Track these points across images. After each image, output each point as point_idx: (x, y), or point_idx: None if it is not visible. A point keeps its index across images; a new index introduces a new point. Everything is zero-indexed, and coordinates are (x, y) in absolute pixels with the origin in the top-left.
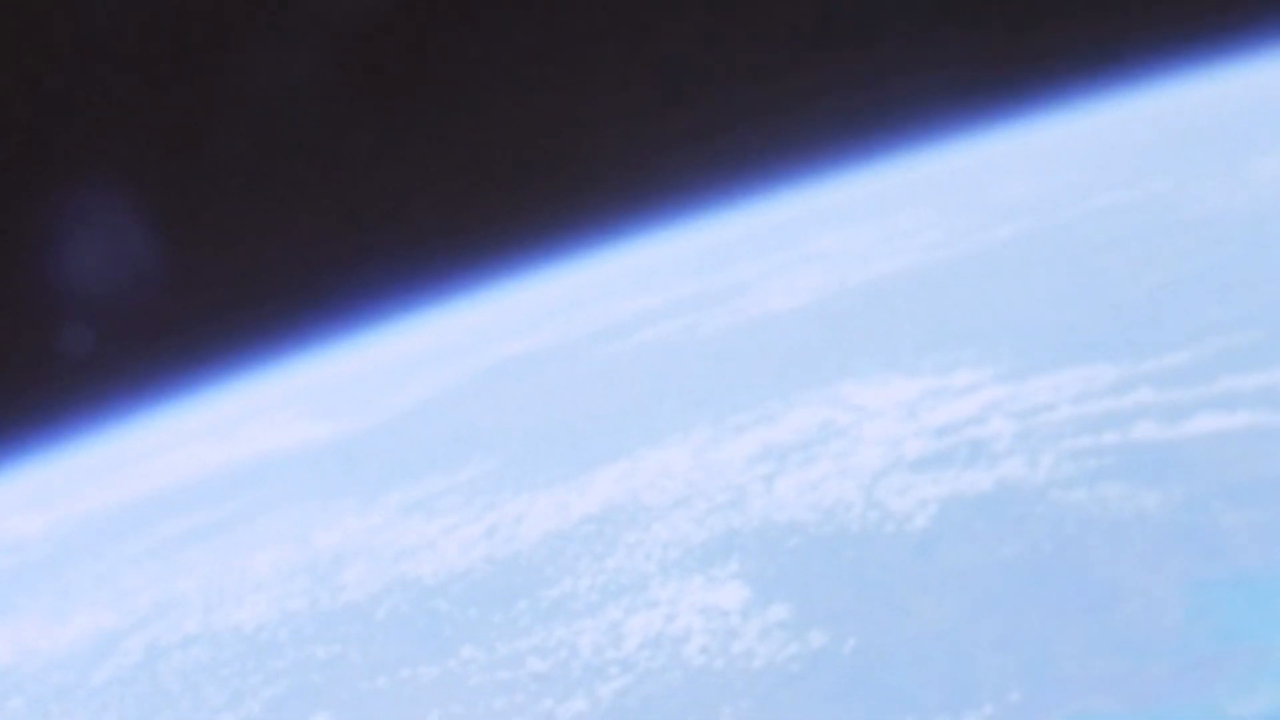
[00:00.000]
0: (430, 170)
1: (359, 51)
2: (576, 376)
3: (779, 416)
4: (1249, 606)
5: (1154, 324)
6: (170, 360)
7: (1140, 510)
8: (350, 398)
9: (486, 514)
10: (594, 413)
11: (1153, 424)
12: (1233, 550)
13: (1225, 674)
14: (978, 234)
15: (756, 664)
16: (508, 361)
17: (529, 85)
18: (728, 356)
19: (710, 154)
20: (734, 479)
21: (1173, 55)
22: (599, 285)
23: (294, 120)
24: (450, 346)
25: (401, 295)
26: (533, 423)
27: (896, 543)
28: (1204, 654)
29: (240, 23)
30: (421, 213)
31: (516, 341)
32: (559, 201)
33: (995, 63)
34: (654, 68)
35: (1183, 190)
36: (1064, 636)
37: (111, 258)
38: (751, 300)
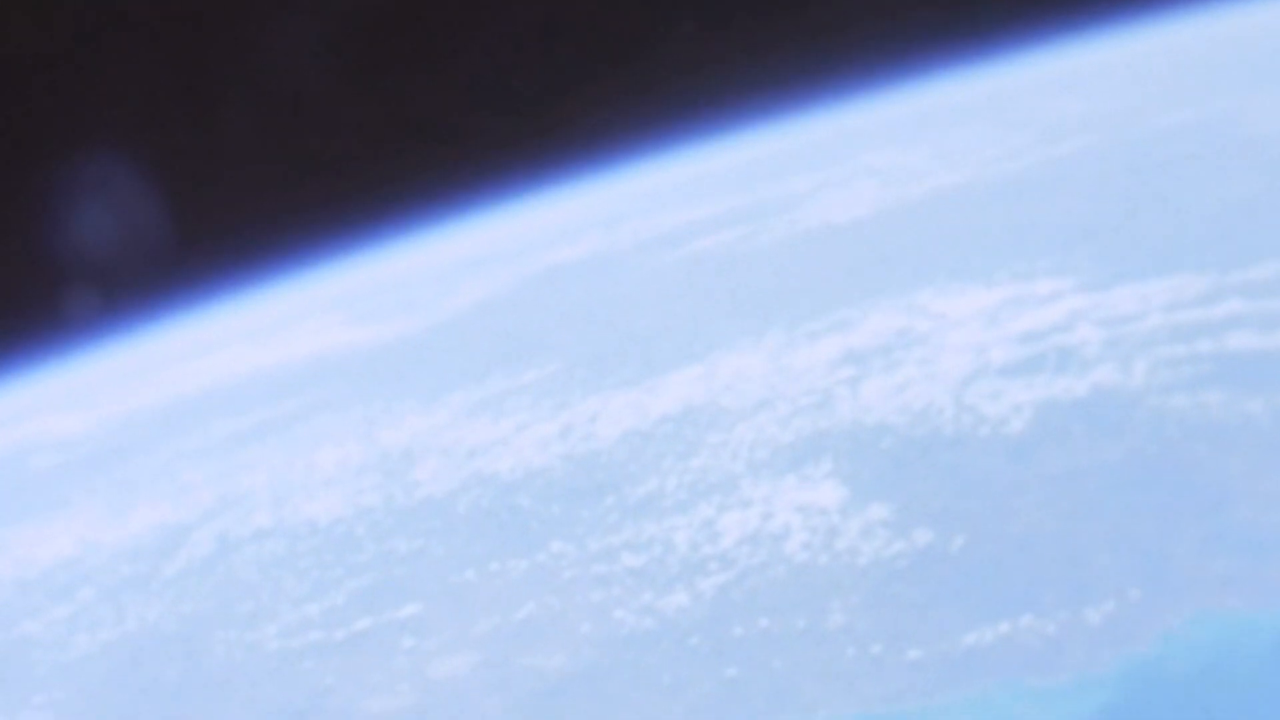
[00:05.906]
0: (479, 74)
1: None
2: (633, 283)
3: (855, 323)
4: None
5: (1235, 237)
6: (216, 262)
7: (1245, 416)
8: (401, 301)
9: (559, 414)
10: (658, 318)
11: (1249, 333)
12: None
13: None
14: (1037, 150)
15: (862, 560)
16: (558, 268)
17: None
18: (791, 265)
19: (760, 66)
20: (816, 383)
21: None
22: (646, 195)
23: (338, 20)
24: (499, 253)
25: (449, 200)
26: (594, 327)
27: (993, 445)
28: None
29: None
30: (468, 117)
31: (565, 249)
32: (607, 110)
33: None
34: None
35: (1244, 110)
36: (1177, 537)
37: (157, 160)
38: (807, 212)
